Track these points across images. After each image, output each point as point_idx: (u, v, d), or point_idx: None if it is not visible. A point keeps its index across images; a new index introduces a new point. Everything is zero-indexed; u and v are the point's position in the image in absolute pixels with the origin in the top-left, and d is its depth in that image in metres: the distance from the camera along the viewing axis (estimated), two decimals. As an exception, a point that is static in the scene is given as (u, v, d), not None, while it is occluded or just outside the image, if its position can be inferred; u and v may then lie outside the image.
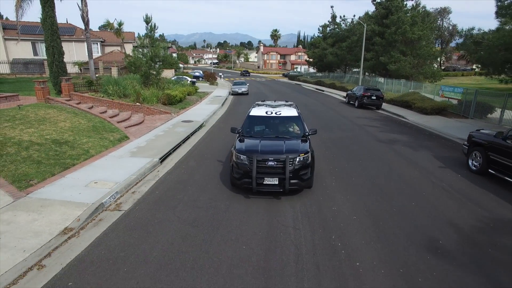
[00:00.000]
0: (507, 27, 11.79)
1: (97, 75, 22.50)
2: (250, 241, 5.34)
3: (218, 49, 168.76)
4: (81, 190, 7.03)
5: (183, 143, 11.71)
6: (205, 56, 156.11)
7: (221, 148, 11.10)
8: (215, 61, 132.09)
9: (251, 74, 77.21)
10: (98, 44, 33.31)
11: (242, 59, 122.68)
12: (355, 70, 49.27)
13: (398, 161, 10.11)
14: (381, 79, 35.41)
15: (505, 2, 13.67)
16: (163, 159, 9.70)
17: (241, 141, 7.44)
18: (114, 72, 22.35)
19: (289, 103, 9.80)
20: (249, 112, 8.64)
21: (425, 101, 21.25)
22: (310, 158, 6.91)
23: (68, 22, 35.26)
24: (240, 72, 78.96)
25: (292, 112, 8.55)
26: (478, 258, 4.96)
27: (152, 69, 20.25)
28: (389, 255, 5.00)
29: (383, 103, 23.94)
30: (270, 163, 6.61)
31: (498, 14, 15.03)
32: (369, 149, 11.47)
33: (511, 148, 7.76)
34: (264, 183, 6.67)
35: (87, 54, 21.93)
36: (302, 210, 6.52)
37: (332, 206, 6.71)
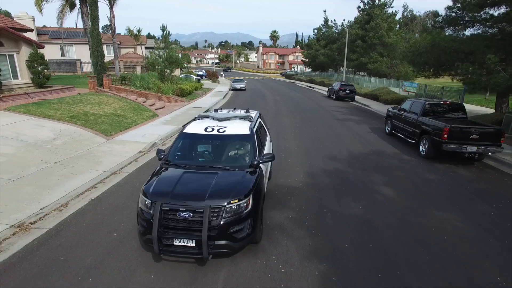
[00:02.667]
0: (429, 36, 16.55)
1: (120, 72, 27.44)
2: None
3: (219, 49, 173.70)
4: (140, 137, 11.97)
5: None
6: (206, 56, 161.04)
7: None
8: (217, 61, 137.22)
9: (250, 73, 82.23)
10: (110, 46, 38.29)
11: (243, 59, 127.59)
12: (343, 69, 54.20)
13: (341, 128, 15.04)
14: (362, 77, 40.34)
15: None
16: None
17: (157, 173, 5.22)
18: (139, 70, 27.33)
19: (246, 114, 6.92)
20: (184, 127, 6.36)
21: (389, 94, 26.16)
22: (251, 205, 4.61)
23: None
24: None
25: (242, 129, 6.06)
26: (353, 162, 9.86)
27: (167, 68, 25.20)
28: (307, 160, 9.90)
29: (358, 96, 28.94)
30: (183, 214, 4.33)
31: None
32: (325, 123, 16.40)
33: (399, 116, 12.69)
34: (174, 244, 4.37)
35: (112, 55, 26.96)
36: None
37: (286, 145, 11.62)
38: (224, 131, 5.96)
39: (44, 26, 34.22)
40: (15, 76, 17.37)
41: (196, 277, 4.40)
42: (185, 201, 4.42)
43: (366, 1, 42.17)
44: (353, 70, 45.89)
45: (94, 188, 7.49)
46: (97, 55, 19.68)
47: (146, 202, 4.55)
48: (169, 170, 5.28)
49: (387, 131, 13.99)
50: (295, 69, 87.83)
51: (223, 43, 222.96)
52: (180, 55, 37.09)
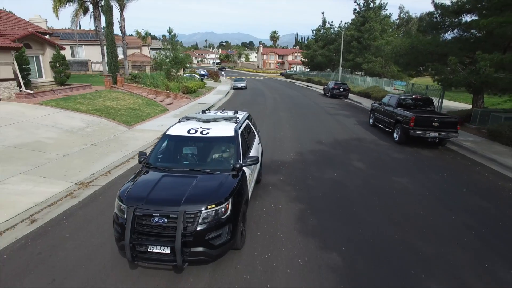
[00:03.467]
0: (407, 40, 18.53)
1: (129, 72, 29.43)
2: None
3: (220, 49, 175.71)
4: (156, 127, 13.95)
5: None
6: (207, 56, 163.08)
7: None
8: (217, 61, 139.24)
9: (250, 73, 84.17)
10: (120, 48, 40.32)
11: (243, 59, 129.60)
12: (339, 69, 56.24)
13: (331, 121, 17.02)
14: (357, 76, 42.32)
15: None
16: (192, 119, 16.63)
17: (134, 177, 5.09)
18: (148, 70, 29.34)
19: (233, 116, 6.83)
20: (168, 129, 6.22)
21: (380, 92, 28.13)
22: (230, 210, 4.47)
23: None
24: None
25: (226, 131, 5.96)
26: (336, 146, 11.84)
27: (173, 67, 27.18)
28: (298, 144, 11.87)
29: (351, 94, 30.93)
30: (157, 219, 4.15)
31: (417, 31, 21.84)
32: (318, 117, 18.38)
33: (380, 109, 14.66)
34: (149, 250, 4.18)
35: (121, 56, 28.97)
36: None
37: (281, 133, 13.57)
38: (208, 133, 5.79)
39: (51, 27, 36.19)
40: (40, 75, 19.39)
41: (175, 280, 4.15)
42: (159, 206, 4.20)
43: (361, 4, 44.21)
44: (350, 70, 47.89)
45: (127, 162, 9.49)
46: (111, 56, 21.68)
47: (121, 207, 4.33)
48: (148, 173, 5.09)
49: (371, 123, 15.97)
50: (295, 69, 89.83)
51: (224, 43, 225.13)
52: (183, 55, 39.16)
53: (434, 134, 11.42)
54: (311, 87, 45.68)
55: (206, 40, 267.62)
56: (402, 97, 13.52)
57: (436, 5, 17.78)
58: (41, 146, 9.93)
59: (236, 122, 6.40)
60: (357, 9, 44.65)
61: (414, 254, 5.03)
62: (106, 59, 23.74)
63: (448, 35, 18.85)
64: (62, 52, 20.09)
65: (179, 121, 6.64)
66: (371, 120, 16.02)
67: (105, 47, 25.18)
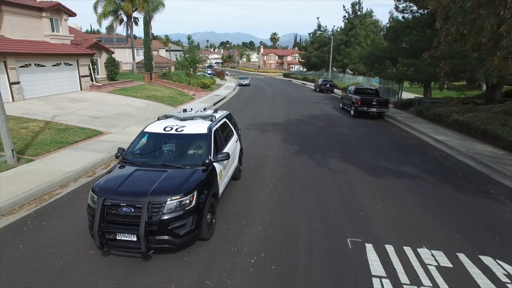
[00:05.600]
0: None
1: (162, 70, 35.96)
2: None
3: (222, 49, 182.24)
4: (197, 105, 20.48)
5: (217, 103, 25.23)
6: (210, 56, 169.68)
7: (232, 102, 24.53)
8: (220, 61, 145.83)
9: (252, 72, 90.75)
10: (143, 50, 46.92)
11: (244, 59, 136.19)
12: (334, 69, 62.86)
13: (313, 106, 23.59)
14: (346, 75, 48.92)
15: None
16: (216, 103, 23.20)
17: (109, 171, 5.50)
18: (173, 69, 35.97)
19: (210, 114, 7.22)
20: (146, 126, 6.58)
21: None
22: (194, 202, 4.77)
23: (120, 34, 48.93)
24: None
25: (200, 128, 6.25)
26: (311, 118, 18.42)
27: (191, 67, 33.77)
28: (287, 117, 18.44)
29: (337, 90, 37.48)
30: (125, 209, 4.52)
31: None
32: (305, 104, 24.96)
33: (345, 95, 21.23)
34: (117, 238, 4.53)
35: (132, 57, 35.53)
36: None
37: (276, 112, 20.10)
38: (182, 130, 6.09)
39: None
40: (98, 73, 25.99)
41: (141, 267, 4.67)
42: (127, 197, 4.56)
43: (350, 12, 50.78)
44: (340, 69, 54.46)
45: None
46: (147, 58, 28.31)
47: (94, 198, 4.69)
48: (123, 168, 5.43)
49: (340, 107, 22.54)
50: (293, 69, 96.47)
51: (225, 42, 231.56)
52: (199, 58, 45.55)
53: (373, 109, 18.00)
54: (305, 84, 52.27)
55: (207, 40, 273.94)
56: (358, 87, 20.11)
57: (394, 21, 24.39)
58: (131, 114, 16.51)
59: (211, 121, 6.67)
60: (347, 16, 51.26)
61: (322, 134, 11.60)
62: (135, 60, 30.33)
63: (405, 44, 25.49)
64: (112, 55, 26.66)
65: (158, 119, 7.02)
66: (341, 105, 22.60)
67: (135, 50, 31.80)
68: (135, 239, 4.43)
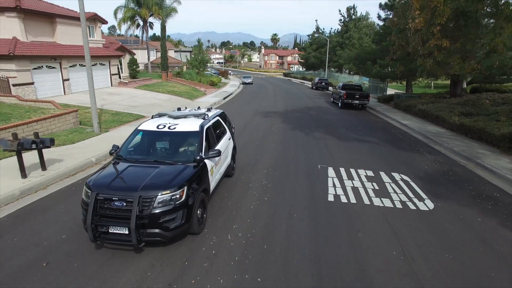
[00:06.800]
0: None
1: (173, 69, 39.91)
2: None
3: (223, 49, 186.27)
4: (209, 99, 24.48)
5: (226, 97, 29.23)
6: (212, 56, 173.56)
7: (239, 96, 28.53)
8: (222, 61, 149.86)
9: (253, 72, 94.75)
10: (154, 51, 50.92)
11: (246, 59, 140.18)
12: (332, 69, 66.85)
13: (308, 101, 27.57)
14: (341, 74, 52.88)
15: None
16: (225, 97, 27.19)
17: (103, 167, 5.78)
18: (184, 68, 40.00)
19: (202, 112, 7.31)
20: (140, 124, 6.74)
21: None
22: (184, 197, 5.01)
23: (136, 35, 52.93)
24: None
25: (192, 126, 6.44)
26: (305, 108, 22.41)
27: (201, 67, 37.74)
28: (285, 107, 22.43)
29: (332, 87, 41.42)
30: (117, 203, 4.76)
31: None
32: (301, 99, 28.94)
33: (335, 91, 25.21)
34: (110, 231, 4.77)
35: (147, 57, 39.52)
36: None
37: (276, 104, 24.07)
38: (175, 128, 6.31)
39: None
40: (122, 72, 29.96)
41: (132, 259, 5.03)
42: (119, 192, 4.78)
43: (346, 15, 54.75)
44: (337, 69, 58.42)
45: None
46: (164, 59, 32.30)
47: (88, 193, 4.90)
48: (117, 164, 5.63)
49: (331, 101, 26.50)
50: (293, 69, 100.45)
51: (226, 42, 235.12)
52: (208, 59, 49.32)
53: (356, 101, 21.99)
54: (304, 83, 56.26)
55: (208, 40, 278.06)
56: (345, 84, 24.10)
57: (380, 26, 28.40)
58: (159, 104, 20.49)
59: (204, 119, 6.82)
60: (342, 19, 55.24)
61: (312, 119, 15.56)
62: (149, 60, 34.20)
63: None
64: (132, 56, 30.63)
65: (152, 117, 7.16)
66: (331, 99, 26.58)
67: (151, 51, 35.71)
68: (126, 232, 4.65)
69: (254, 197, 7.13)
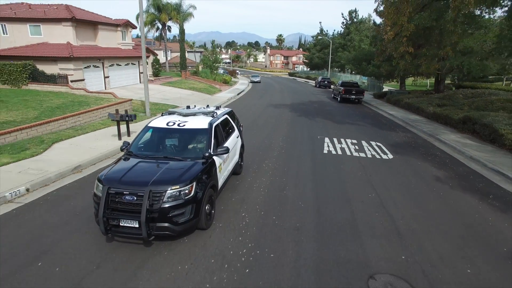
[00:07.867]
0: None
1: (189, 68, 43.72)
2: None
3: (229, 49, 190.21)
4: (221, 95, 28.24)
5: (239, 93, 32.96)
6: (219, 57, 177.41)
7: (250, 93, 32.25)
8: (228, 61, 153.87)
9: (259, 72, 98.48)
10: (169, 51, 54.86)
11: (252, 59, 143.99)
12: (335, 69, 70.39)
13: (312, 96, 31.23)
14: (344, 74, 56.42)
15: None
16: (239, 93, 30.94)
17: (115, 162, 6.00)
18: (200, 68, 43.86)
19: (211, 110, 7.58)
20: (150, 121, 6.97)
21: (352, 84, 42.23)
22: (193, 192, 5.17)
23: (150, 38, 56.91)
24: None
25: (201, 123, 6.64)
26: (309, 102, 26.07)
27: (213, 67, 41.50)
28: (291, 101, 26.10)
29: (334, 86, 45.01)
30: (128, 197, 4.93)
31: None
32: (305, 95, 32.58)
33: (336, 87, 28.82)
34: (121, 224, 4.95)
35: (165, 58, 43.38)
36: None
37: (283, 99, 27.74)
38: (184, 125, 6.51)
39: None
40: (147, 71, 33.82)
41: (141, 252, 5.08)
42: (130, 186, 4.96)
43: (348, 18, 58.24)
44: (340, 69, 61.94)
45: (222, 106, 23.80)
46: (182, 59, 36.15)
47: (100, 187, 5.11)
48: (127, 160, 5.84)
49: (332, 97, 30.11)
50: (298, 69, 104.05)
51: (230, 42, 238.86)
52: (221, 59, 52.92)
53: (353, 96, 25.61)
54: (308, 82, 59.88)
55: (213, 40, 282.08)
56: (344, 81, 27.74)
57: (375, 29, 31.90)
58: (185, 98, 24.27)
59: (212, 116, 7.06)
60: (344, 22, 58.73)
61: (314, 109, 19.21)
62: (167, 60, 37.95)
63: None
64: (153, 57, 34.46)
65: (162, 115, 7.40)
66: (332, 95, 30.20)
67: (167, 52, 39.52)
68: (137, 225, 4.80)
69: (276, 151, 10.85)
